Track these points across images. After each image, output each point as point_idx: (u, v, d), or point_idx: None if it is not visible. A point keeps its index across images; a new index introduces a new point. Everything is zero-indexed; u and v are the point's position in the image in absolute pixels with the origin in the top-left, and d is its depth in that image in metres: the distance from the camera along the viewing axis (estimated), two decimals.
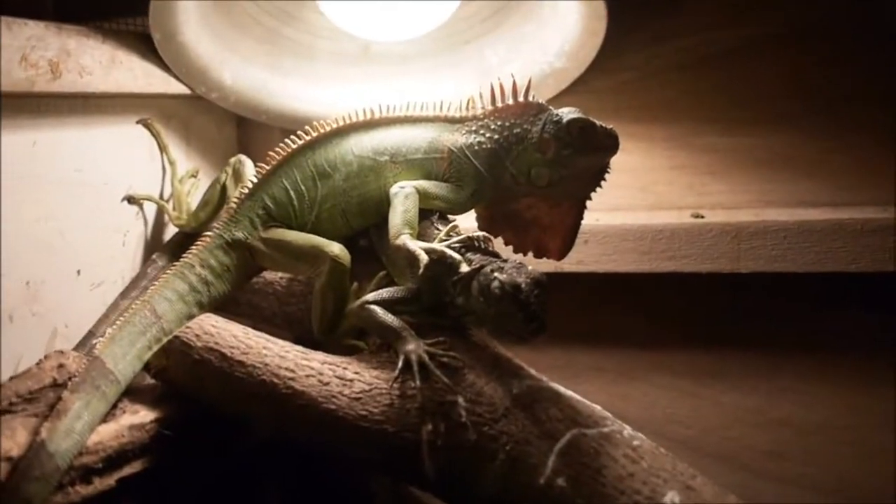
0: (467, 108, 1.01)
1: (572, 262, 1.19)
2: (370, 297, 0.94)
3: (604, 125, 0.94)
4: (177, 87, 1.16)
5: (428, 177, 0.99)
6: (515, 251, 1.03)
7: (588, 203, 1.00)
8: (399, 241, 0.93)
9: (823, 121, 1.22)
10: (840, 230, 1.12)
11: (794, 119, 1.22)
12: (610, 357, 1.32)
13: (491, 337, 0.97)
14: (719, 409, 1.27)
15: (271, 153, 1.02)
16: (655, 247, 1.20)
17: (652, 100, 1.26)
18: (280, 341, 0.95)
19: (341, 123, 1.01)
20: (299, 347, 0.94)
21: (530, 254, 1.03)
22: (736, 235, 1.17)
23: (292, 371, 0.91)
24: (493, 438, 0.84)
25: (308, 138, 1.01)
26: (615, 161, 0.97)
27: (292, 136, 1.02)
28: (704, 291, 1.23)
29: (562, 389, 0.90)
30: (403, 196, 0.95)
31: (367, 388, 0.89)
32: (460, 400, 0.86)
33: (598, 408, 0.89)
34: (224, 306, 1.05)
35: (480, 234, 0.95)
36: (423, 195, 0.97)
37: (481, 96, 1.01)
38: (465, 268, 0.89)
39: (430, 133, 1.00)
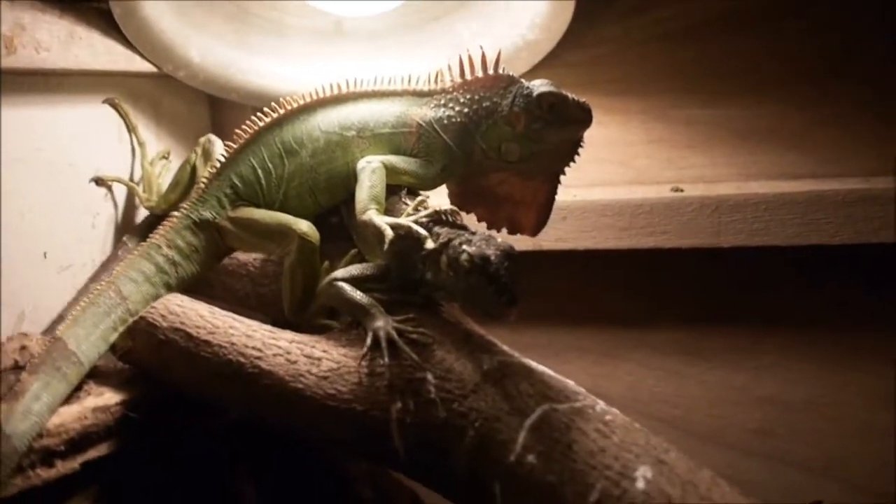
0: (436, 82, 0.99)
1: (551, 240, 1.20)
2: (339, 273, 0.92)
3: (576, 98, 0.92)
4: (143, 66, 1.14)
5: (396, 151, 0.98)
6: (489, 227, 1.01)
7: (564, 178, 0.98)
8: (365, 217, 0.91)
9: (805, 92, 1.20)
10: (821, 201, 1.10)
11: (775, 91, 1.21)
12: (592, 336, 1.30)
13: (463, 313, 0.95)
14: (704, 388, 1.25)
15: (238, 131, 1.01)
16: (635, 222, 1.18)
17: (629, 72, 1.25)
18: (248, 321, 0.93)
19: (308, 100, 1.00)
20: (267, 326, 0.92)
21: (504, 230, 1.01)
22: (716, 209, 1.15)
23: (259, 350, 0.89)
24: (463, 415, 0.82)
25: (275, 115, 1.00)
26: (592, 135, 0.94)
27: (259, 114, 1.01)
28: (686, 267, 1.21)
29: (534, 365, 0.88)
30: (370, 171, 0.93)
31: (335, 366, 0.87)
32: (429, 376, 0.84)
33: (571, 383, 0.87)
34: (197, 288, 1.03)
35: (448, 207, 0.93)
36: (390, 170, 0.95)
37: (450, 69, 0.98)
38: (430, 243, 0.87)
39: (398, 107, 0.99)
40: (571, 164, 0.96)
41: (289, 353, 0.89)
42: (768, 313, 1.22)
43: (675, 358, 1.26)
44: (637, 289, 1.27)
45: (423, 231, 0.88)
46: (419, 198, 0.95)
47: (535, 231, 1.00)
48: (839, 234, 1.10)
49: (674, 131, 1.24)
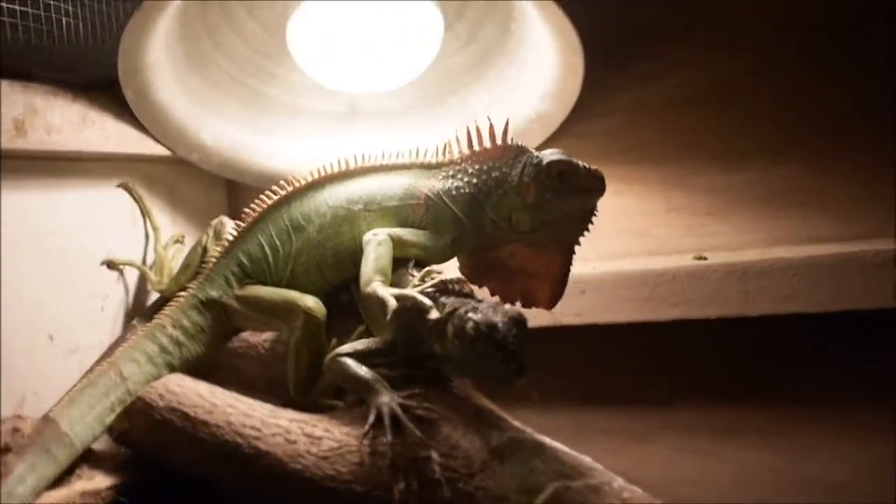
0: (444, 154, 0.99)
1: (570, 315, 1.15)
2: (343, 348, 0.89)
3: (588, 166, 0.90)
4: (156, 149, 1.15)
5: (404, 224, 0.96)
6: (502, 301, 0.97)
7: (581, 251, 0.95)
8: (369, 289, 0.88)
9: (823, 149, 1.16)
10: (851, 264, 1.04)
11: (792, 150, 1.17)
12: (618, 417, 1.23)
13: (473, 386, 0.92)
14: (738, 470, 1.17)
15: (247, 210, 1.01)
16: (657, 293, 1.13)
17: (644, 140, 1.22)
18: (249, 400, 0.90)
19: (317, 176, 1.00)
20: (269, 406, 0.89)
21: (518, 304, 0.97)
22: (742, 275, 1.10)
23: (258, 430, 0.85)
24: (469, 495, 0.77)
25: (283, 193, 1.01)
26: (609, 206, 0.93)
27: (268, 192, 1.01)
28: (713, 339, 1.15)
29: (546, 440, 0.83)
30: (376, 243, 0.92)
31: (336, 445, 0.83)
32: (434, 455, 0.80)
33: (587, 459, 0.82)
34: (205, 370, 1.00)
35: (455, 277, 0.90)
36: (397, 242, 0.93)
37: (458, 141, 0.98)
38: (435, 313, 0.83)
39: (405, 180, 0.98)
40: (585, 233, 0.94)
41: (288, 432, 0.85)
42: (803, 386, 1.14)
43: (705, 437, 1.18)
44: (662, 364, 1.20)
45: (427, 301, 0.85)
46: (427, 269, 0.92)
47: (550, 304, 0.96)
48: (872, 297, 1.03)
49: (693, 199, 1.20)
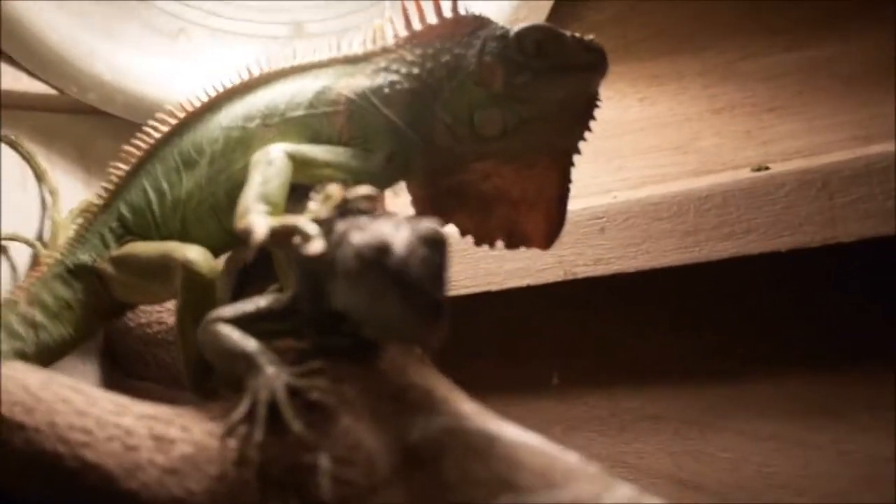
0: (373, 42, 0.74)
1: (587, 262, 0.88)
2: (222, 311, 0.62)
3: (577, 35, 0.69)
4: (33, 87, 0.92)
5: (315, 140, 0.72)
6: (478, 242, 0.75)
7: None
8: (244, 222, 0.62)
9: None
10: None
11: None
12: (668, 399, 0.93)
13: (429, 360, 0.64)
14: (842, 462, 0.84)
15: (128, 147, 0.80)
16: (704, 222, 0.84)
17: (675, 21, 0.94)
18: (100, 392, 0.63)
19: (214, 94, 0.78)
20: (126, 399, 0.63)
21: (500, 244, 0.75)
22: (824, 187, 0.79)
23: (89, 432, 0.58)
24: None
25: (175, 121, 0.78)
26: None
27: (154, 122, 0.79)
28: (790, 280, 0.84)
29: (507, 429, 0.53)
30: (265, 163, 0.67)
31: (190, 451, 0.56)
32: (323, 460, 0.51)
33: (574, 457, 0.51)
34: (133, 368, 0.89)
35: (364, 192, 0.61)
36: (300, 163, 0.68)
37: (392, 22, 0.73)
38: (318, 244, 0.56)
39: (320, 82, 0.75)
40: (585, 133, 0.71)
41: (130, 434, 0.58)
42: None
43: (793, 421, 0.87)
44: (722, 322, 0.89)
45: (310, 227, 0.57)
46: (330, 185, 0.64)
47: (546, 241, 0.74)
48: None
49: (749, 92, 0.90)
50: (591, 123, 0.70)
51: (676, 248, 0.84)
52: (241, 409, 0.55)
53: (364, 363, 0.60)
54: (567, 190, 0.72)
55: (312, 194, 0.66)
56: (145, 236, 0.77)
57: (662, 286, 0.88)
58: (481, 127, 0.69)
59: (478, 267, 0.90)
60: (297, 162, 0.68)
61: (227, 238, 0.74)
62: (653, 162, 0.93)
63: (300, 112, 0.73)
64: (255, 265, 0.73)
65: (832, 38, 0.88)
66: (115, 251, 0.76)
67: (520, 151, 0.70)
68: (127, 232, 0.78)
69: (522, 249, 0.74)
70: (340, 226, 0.58)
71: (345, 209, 0.60)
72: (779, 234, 0.80)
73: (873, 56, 0.86)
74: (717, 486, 0.85)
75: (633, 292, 0.90)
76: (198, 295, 0.69)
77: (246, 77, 0.76)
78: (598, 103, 0.70)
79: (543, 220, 0.73)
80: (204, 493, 0.53)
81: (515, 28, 0.69)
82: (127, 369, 0.95)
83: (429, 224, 0.52)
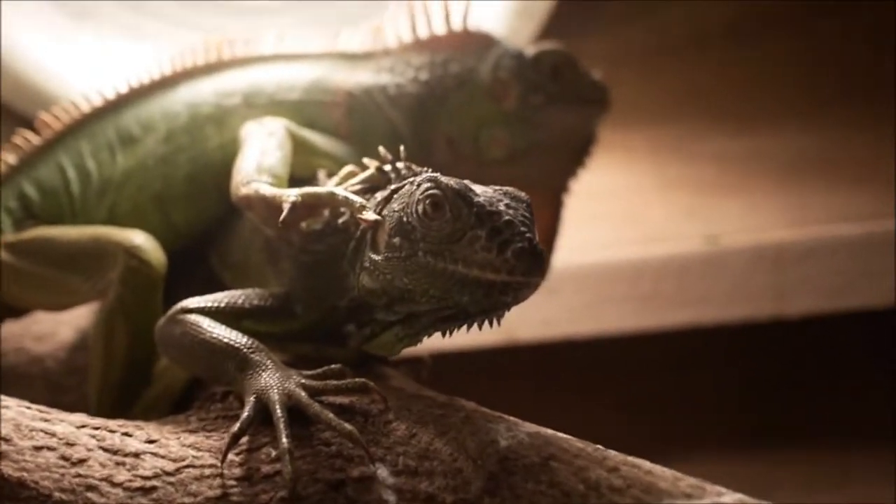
0: (374, 41, 0.73)
1: (533, 324, 0.87)
2: (191, 301, 0.53)
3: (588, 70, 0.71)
4: None
5: (310, 127, 0.69)
6: None
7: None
8: (247, 189, 0.56)
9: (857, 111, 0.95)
10: None
11: (819, 112, 0.94)
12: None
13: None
14: None
15: (45, 119, 0.70)
16: (661, 289, 0.86)
17: (629, 97, 0.94)
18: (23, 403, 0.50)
19: (171, 71, 0.70)
20: (54, 411, 0.50)
21: None
22: (776, 261, 0.82)
23: (7, 442, 0.45)
24: None
25: (114, 97, 0.70)
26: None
27: (83, 97, 0.71)
28: (740, 349, 0.88)
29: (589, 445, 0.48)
30: (265, 134, 0.63)
31: (171, 466, 0.45)
32: (382, 472, 0.42)
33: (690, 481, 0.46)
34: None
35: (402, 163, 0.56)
36: (299, 144, 0.65)
37: (395, 23, 0.72)
38: (370, 214, 0.50)
39: (315, 71, 0.71)
40: (578, 171, 0.72)
41: (72, 444, 0.45)
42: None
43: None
44: (669, 390, 0.90)
45: (356, 198, 0.52)
46: (347, 168, 0.59)
47: None
48: None
49: (695, 170, 0.96)
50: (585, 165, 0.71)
51: (633, 313, 0.86)
52: (245, 415, 0.46)
53: (370, 375, 0.52)
54: (558, 226, 0.72)
55: (320, 173, 0.63)
56: (54, 223, 0.66)
57: (612, 352, 0.87)
58: (487, 146, 0.68)
59: None
60: (297, 144, 0.63)
61: (169, 235, 0.64)
62: (602, 228, 0.95)
63: (294, 96, 0.69)
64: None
65: (771, 131, 0.95)
66: (12, 235, 0.64)
67: (517, 181, 0.67)
68: (30, 216, 0.67)
69: None
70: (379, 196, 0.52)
71: (376, 181, 0.54)
72: (731, 304, 0.84)
73: (809, 149, 0.94)
74: None
75: (584, 360, 0.89)
76: (140, 292, 0.59)
77: (212, 58, 0.70)
78: (595, 145, 0.71)
79: None
80: None
81: (532, 49, 0.69)
82: None
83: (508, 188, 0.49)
